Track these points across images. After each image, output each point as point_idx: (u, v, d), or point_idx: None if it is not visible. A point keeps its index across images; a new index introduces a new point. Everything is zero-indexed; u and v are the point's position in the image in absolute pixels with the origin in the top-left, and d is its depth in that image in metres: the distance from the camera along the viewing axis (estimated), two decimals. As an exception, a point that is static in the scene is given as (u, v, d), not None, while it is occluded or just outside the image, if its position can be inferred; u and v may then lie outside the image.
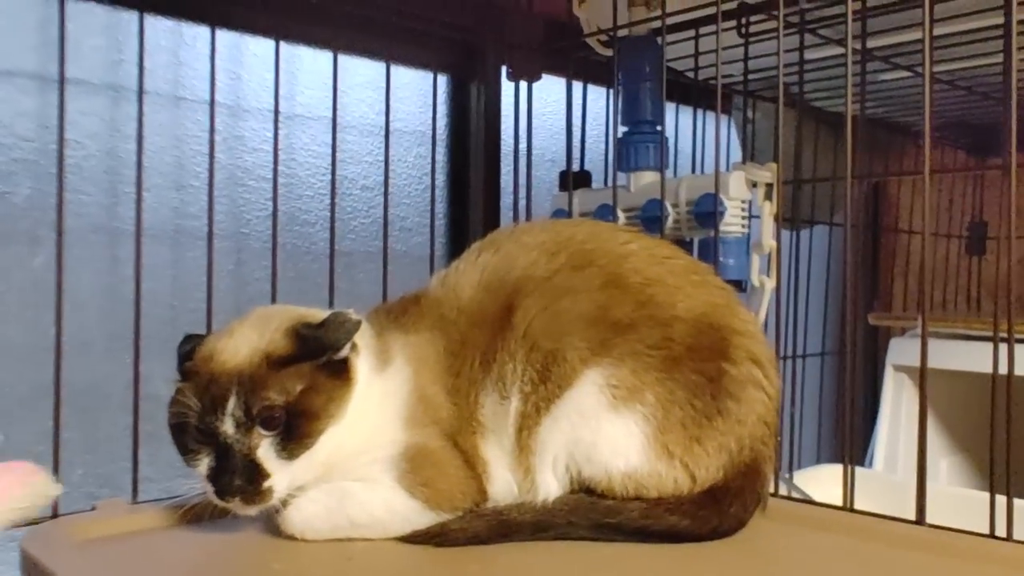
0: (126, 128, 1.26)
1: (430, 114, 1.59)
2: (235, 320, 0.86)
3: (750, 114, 1.61)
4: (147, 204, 1.24)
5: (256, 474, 0.77)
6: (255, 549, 0.83)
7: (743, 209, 1.12)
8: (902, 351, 1.81)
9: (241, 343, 0.81)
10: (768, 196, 1.09)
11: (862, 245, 2.20)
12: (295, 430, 0.79)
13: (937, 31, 1.33)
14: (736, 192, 1.11)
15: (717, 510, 0.84)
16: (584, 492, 0.85)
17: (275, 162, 1.19)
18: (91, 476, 1.18)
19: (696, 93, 1.45)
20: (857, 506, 0.99)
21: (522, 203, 1.31)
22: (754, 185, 1.12)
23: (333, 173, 1.23)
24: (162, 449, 0.85)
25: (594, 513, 0.83)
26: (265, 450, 0.78)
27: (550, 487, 0.85)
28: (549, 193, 1.46)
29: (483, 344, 0.87)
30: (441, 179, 1.60)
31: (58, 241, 1.02)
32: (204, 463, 0.79)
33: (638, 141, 1.23)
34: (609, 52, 1.29)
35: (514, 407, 0.86)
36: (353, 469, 0.83)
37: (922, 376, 0.94)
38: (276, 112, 1.18)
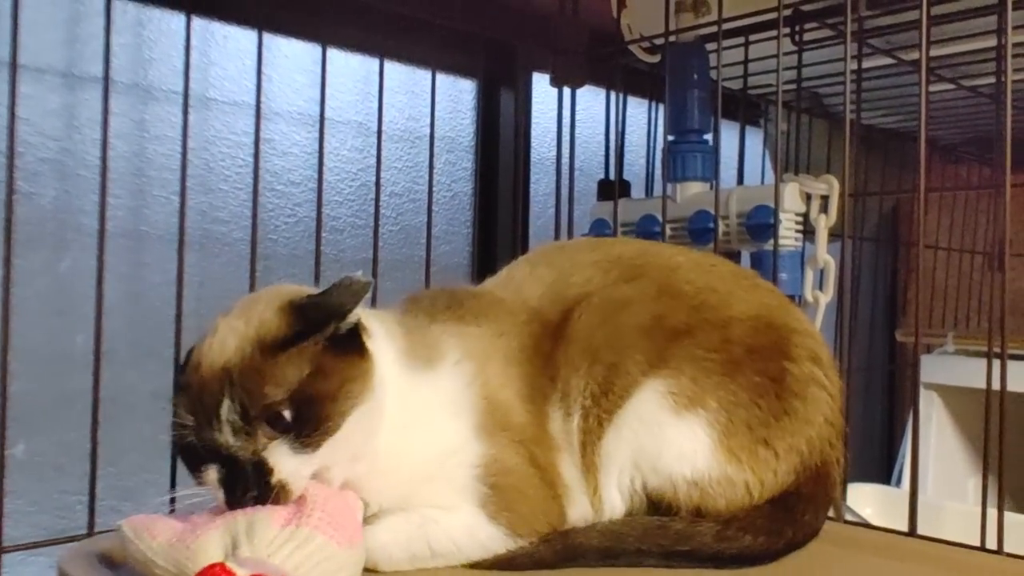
0: (154, 129, 1.22)
1: (459, 120, 1.56)
2: (219, 314, 0.74)
3: (783, 126, 1.58)
4: (173, 207, 1.21)
5: (265, 474, 0.69)
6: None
7: (797, 222, 1.08)
8: (930, 368, 1.79)
9: (227, 336, 0.71)
10: (823, 209, 1.06)
11: (884, 261, 2.18)
12: (310, 419, 0.69)
13: (983, 43, 1.31)
14: (791, 204, 1.08)
15: (791, 521, 0.81)
16: (650, 507, 0.82)
17: (320, 168, 1.14)
18: (114, 489, 1.13)
19: (745, 104, 1.42)
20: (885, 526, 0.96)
21: (563, 211, 1.27)
22: (808, 198, 1.08)
23: (377, 181, 1.20)
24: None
25: (665, 539, 0.79)
26: (276, 450, 0.69)
27: (615, 504, 0.82)
28: (579, 203, 1.42)
29: (551, 355, 0.84)
30: (469, 186, 1.57)
31: (100, 245, 0.97)
32: (212, 472, 0.70)
33: (686, 151, 1.20)
34: (652, 59, 1.26)
35: (576, 423, 0.83)
36: (427, 495, 0.77)
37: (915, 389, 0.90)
38: (322, 117, 1.14)
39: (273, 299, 0.74)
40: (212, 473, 0.70)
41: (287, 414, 0.69)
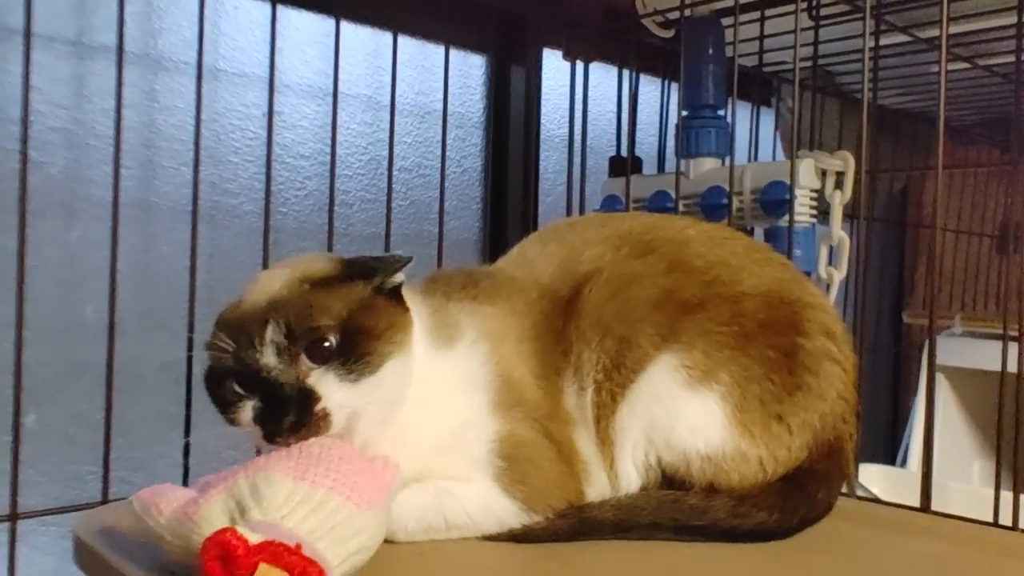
0: (164, 99, 1.21)
1: (469, 95, 1.55)
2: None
3: (790, 103, 1.57)
4: (184, 179, 1.20)
5: (310, 402, 0.68)
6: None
7: (812, 199, 1.08)
8: (937, 350, 1.78)
9: (272, 279, 0.72)
10: (838, 185, 1.06)
11: (892, 242, 2.17)
12: (354, 351, 0.69)
13: (996, 22, 1.30)
14: (806, 180, 1.07)
15: (804, 498, 0.81)
16: (665, 482, 0.82)
17: (334, 142, 1.14)
18: (124, 460, 1.13)
19: (760, 81, 1.41)
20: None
21: (574, 188, 1.26)
22: (824, 174, 1.08)
23: (390, 157, 1.19)
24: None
25: (679, 514, 0.79)
26: (320, 377, 0.68)
27: (631, 478, 0.82)
28: (589, 180, 1.42)
29: (563, 333, 0.84)
30: (479, 162, 1.56)
31: (114, 216, 0.96)
32: (248, 408, 0.69)
33: (699, 126, 1.19)
34: (666, 34, 1.25)
35: (590, 397, 0.83)
36: (442, 468, 0.77)
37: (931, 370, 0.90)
38: (336, 91, 1.13)
39: (315, 255, 0.75)
40: (246, 411, 0.69)
41: (332, 340, 0.69)
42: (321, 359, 0.69)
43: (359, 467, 0.67)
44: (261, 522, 0.58)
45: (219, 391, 0.70)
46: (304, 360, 0.68)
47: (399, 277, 0.75)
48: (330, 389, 0.68)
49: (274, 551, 0.56)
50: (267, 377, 0.68)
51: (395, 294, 0.76)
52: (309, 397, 0.68)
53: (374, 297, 0.73)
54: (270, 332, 0.68)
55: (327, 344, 0.69)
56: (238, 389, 0.69)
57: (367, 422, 0.71)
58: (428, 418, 0.77)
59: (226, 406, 0.70)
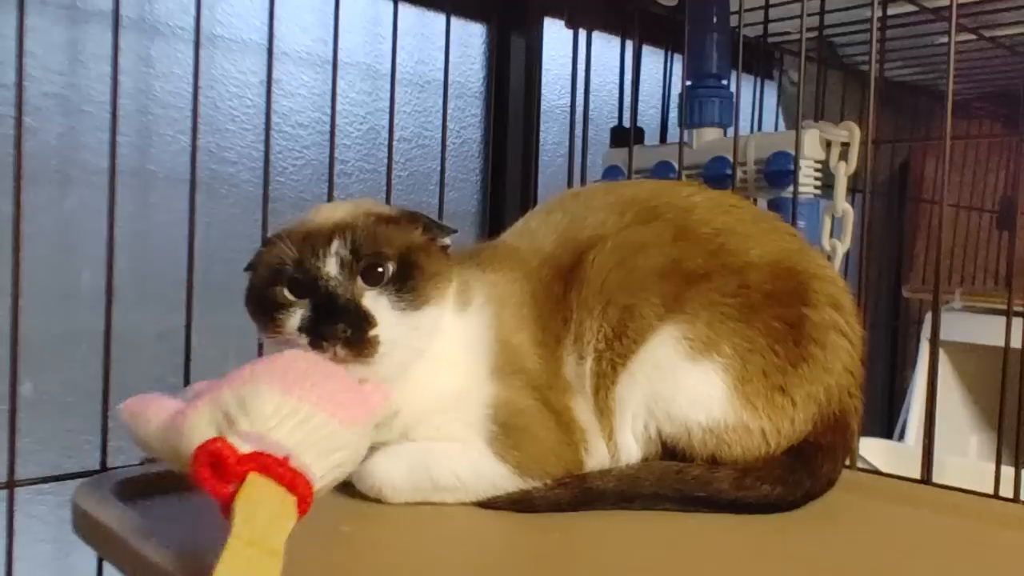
0: (160, 65, 1.19)
1: (469, 65, 1.53)
2: None
3: (796, 77, 1.56)
4: (180, 147, 1.19)
5: (363, 320, 0.70)
6: (322, 510, 0.77)
7: (817, 170, 1.07)
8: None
9: (338, 208, 0.77)
10: (843, 156, 1.04)
11: (891, 216, 2.17)
12: (407, 282, 0.73)
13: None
14: (810, 151, 1.06)
15: (809, 472, 0.81)
16: (666, 454, 0.81)
17: (333, 111, 1.11)
18: (122, 429, 1.12)
19: (763, 53, 1.39)
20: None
21: (576, 159, 1.25)
22: (828, 145, 1.07)
23: (391, 127, 1.17)
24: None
25: (682, 485, 0.79)
26: (375, 299, 0.72)
27: (631, 449, 0.82)
28: (591, 150, 1.40)
29: (563, 299, 0.84)
30: (478, 133, 1.55)
31: (111, 182, 0.95)
32: (296, 316, 0.71)
33: (703, 95, 1.17)
34: (670, 2, 1.23)
35: (589, 366, 0.83)
36: (438, 427, 0.78)
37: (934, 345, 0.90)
38: (336, 59, 1.11)
39: (374, 200, 0.81)
40: (294, 318, 0.71)
41: (389, 268, 0.73)
42: (375, 282, 0.72)
43: (344, 385, 0.68)
44: (250, 433, 0.59)
45: (267, 297, 0.73)
46: (359, 281, 0.72)
47: (448, 239, 0.79)
48: (383, 314, 0.72)
49: (264, 461, 0.56)
50: (325, 285, 0.71)
51: (443, 252, 0.80)
52: (366, 319, 0.71)
53: (429, 245, 0.78)
54: (335, 245, 0.72)
55: (382, 270, 0.73)
56: (288, 295, 0.72)
57: (398, 355, 0.73)
58: (436, 375, 0.78)
59: (273, 312, 0.72)
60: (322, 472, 0.61)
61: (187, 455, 0.57)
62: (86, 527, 0.76)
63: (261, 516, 0.54)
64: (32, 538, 1.08)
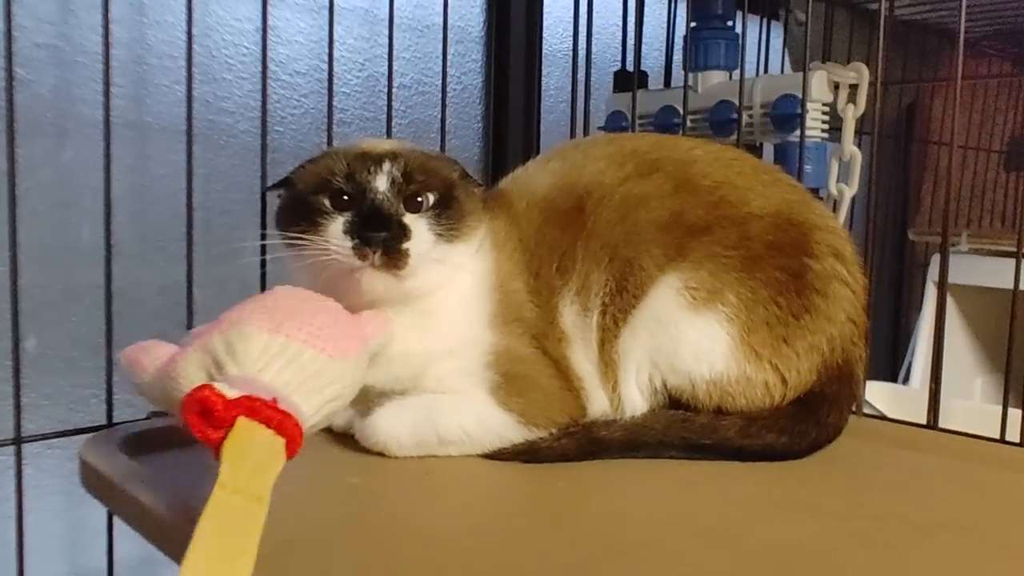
0: (153, 14, 1.17)
1: (469, 8, 1.50)
2: None
3: (804, 17, 1.53)
4: (176, 97, 1.17)
5: (402, 233, 0.74)
6: (330, 463, 0.78)
7: (824, 113, 1.05)
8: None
9: (384, 141, 0.81)
10: (852, 98, 1.02)
11: (896, 158, 2.14)
12: (445, 213, 0.77)
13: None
14: (818, 94, 1.04)
15: (815, 421, 0.81)
16: (671, 405, 0.81)
17: (331, 58, 1.09)
18: (127, 383, 1.12)
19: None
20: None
21: (578, 104, 1.23)
22: (836, 87, 1.04)
23: (390, 75, 1.15)
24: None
25: (688, 432, 0.79)
26: (416, 221, 0.75)
27: (635, 401, 0.82)
28: (594, 96, 1.38)
29: (560, 247, 0.83)
30: (479, 79, 1.52)
31: (106, 135, 0.94)
32: (338, 223, 0.74)
33: (708, 38, 1.15)
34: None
35: (595, 320, 0.83)
36: (439, 377, 0.78)
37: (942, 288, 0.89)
38: (332, 4, 1.09)
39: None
40: (337, 224, 0.74)
41: (431, 198, 0.77)
42: (416, 209, 0.76)
43: (333, 319, 0.68)
44: (238, 377, 0.59)
45: (309, 204, 0.76)
46: (402, 205, 0.76)
47: (479, 189, 0.83)
48: (421, 234, 0.75)
49: (251, 405, 0.57)
50: (373, 197, 0.75)
51: (478, 197, 0.83)
52: (403, 231, 0.74)
53: (468, 187, 0.81)
54: (387, 165, 0.76)
55: (421, 200, 0.76)
56: (328, 205, 0.75)
57: (425, 277, 0.76)
58: (445, 315, 0.79)
59: (314, 217, 0.74)
60: (314, 409, 0.62)
61: (179, 402, 0.57)
62: (94, 482, 0.77)
63: (248, 462, 0.54)
64: (43, 491, 1.09)
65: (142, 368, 0.64)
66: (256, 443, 0.56)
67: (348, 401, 0.68)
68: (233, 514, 0.51)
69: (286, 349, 0.61)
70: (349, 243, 0.73)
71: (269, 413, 0.57)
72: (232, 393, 0.57)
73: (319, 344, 0.63)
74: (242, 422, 0.56)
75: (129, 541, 0.82)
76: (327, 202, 0.75)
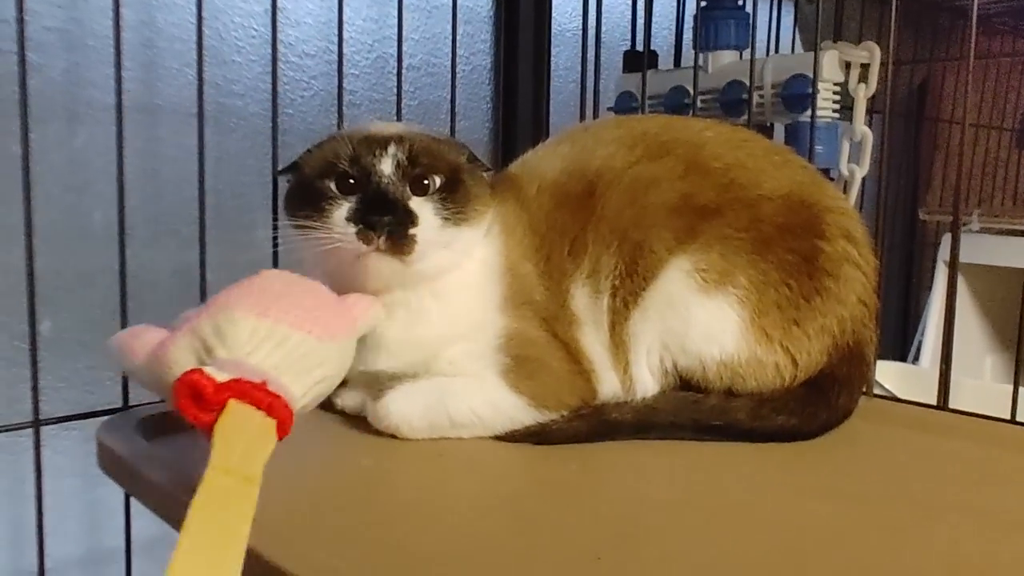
0: (162, -5, 1.17)
1: (477, -13, 1.49)
2: None
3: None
4: (186, 80, 1.17)
5: (407, 218, 0.74)
6: (343, 445, 0.79)
7: (835, 92, 1.04)
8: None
9: (391, 124, 0.81)
10: (863, 78, 1.02)
11: (907, 136, 2.13)
12: (451, 196, 0.77)
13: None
14: (829, 73, 1.03)
15: (825, 403, 0.81)
16: (682, 387, 0.82)
17: (340, 39, 1.09)
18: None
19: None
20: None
21: (588, 84, 1.22)
22: (847, 67, 1.04)
23: (399, 55, 1.14)
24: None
25: (699, 414, 0.79)
26: (421, 204, 0.75)
27: (646, 383, 0.82)
28: (603, 76, 1.37)
29: (572, 231, 0.84)
30: (488, 59, 1.52)
31: (118, 119, 0.94)
32: (343, 208, 0.74)
33: (719, 17, 1.14)
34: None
35: (606, 303, 0.83)
36: (450, 361, 0.78)
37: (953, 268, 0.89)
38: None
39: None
40: (341, 209, 0.74)
41: (437, 181, 0.77)
42: (423, 192, 0.76)
43: (321, 302, 0.69)
44: (227, 360, 0.60)
45: (316, 189, 0.76)
46: (408, 188, 0.76)
47: (488, 174, 0.83)
48: (426, 219, 0.75)
49: (241, 388, 0.57)
50: (378, 181, 0.75)
51: (485, 181, 0.83)
52: (409, 217, 0.74)
53: (476, 170, 0.81)
54: (393, 148, 0.76)
55: (428, 182, 0.76)
56: (334, 189, 0.75)
57: (432, 262, 0.76)
58: (456, 299, 0.79)
59: (320, 203, 0.75)
60: (303, 391, 0.62)
61: (170, 387, 0.58)
62: (110, 463, 0.78)
63: (239, 444, 0.55)
64: (60, 472, 1.10)
65: (133, 353, 0.64)
66: (247, 425, 0.56)
67: (337, 383, 0.69)
68: (225, 495, 0.51)
69: (274, 332, 0.62)
70: (353, 228, 0.73)
71: (259, 395, 0.57)
72: (222, 376, 0.57)
73: (306, 326, 0.63)
74: (233, 405, 0.56)
75: (145, 520, 0.82)
76: (333, 186, 0.75)
